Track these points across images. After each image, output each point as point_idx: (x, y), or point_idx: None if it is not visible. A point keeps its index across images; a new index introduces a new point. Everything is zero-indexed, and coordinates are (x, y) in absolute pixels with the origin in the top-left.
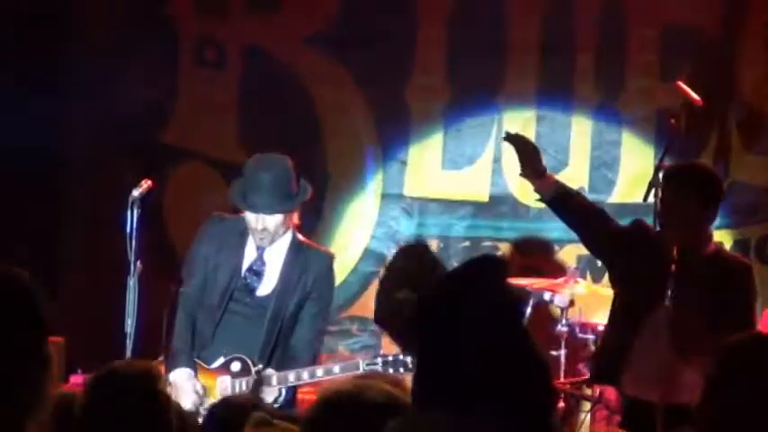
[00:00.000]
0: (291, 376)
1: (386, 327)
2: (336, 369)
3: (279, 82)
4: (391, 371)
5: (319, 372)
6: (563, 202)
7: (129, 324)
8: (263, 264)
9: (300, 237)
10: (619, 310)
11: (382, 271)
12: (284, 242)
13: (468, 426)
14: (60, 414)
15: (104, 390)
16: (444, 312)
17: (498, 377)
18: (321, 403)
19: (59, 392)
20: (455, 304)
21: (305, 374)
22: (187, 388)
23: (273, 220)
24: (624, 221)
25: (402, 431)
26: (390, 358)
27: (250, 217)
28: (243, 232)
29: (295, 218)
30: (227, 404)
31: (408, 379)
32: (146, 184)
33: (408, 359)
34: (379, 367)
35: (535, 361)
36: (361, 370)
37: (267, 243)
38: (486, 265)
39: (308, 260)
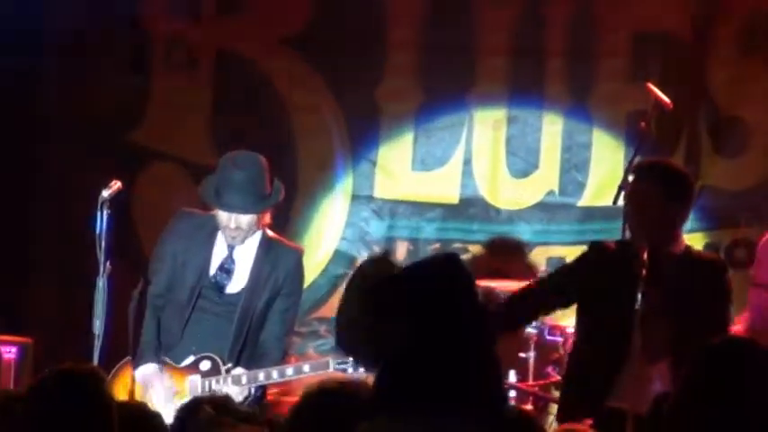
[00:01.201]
0: (261, 375)
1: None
2: (306, 368)
3: (250, 83)
4: (362, 370)
5: (289, 371)
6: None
7: (98, 325)
8: (233, 262)
9: (270, 233)
10: (587, 337)
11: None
12: (254, 239)
13: (427, 428)
14: (3, 414)
15: (47, 391)
16: (400, 313)
17: (455, 379)
18: (306, 400)
19: (2, 392)
20: (412, 305)
21: (274, 373)
22: (155, 382)
23: (246, 220)
24: (594, 224)
25: None
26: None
27: (222, 216)
28: (213, 229)
29: (267, 217)
30: (197, 404)
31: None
32: (115, 185)
33: None
34: (349, 367)
35: (490, 360)
36: (331, 369)
37: (239, 242)
38: (443, 265)
39: (278, 256)
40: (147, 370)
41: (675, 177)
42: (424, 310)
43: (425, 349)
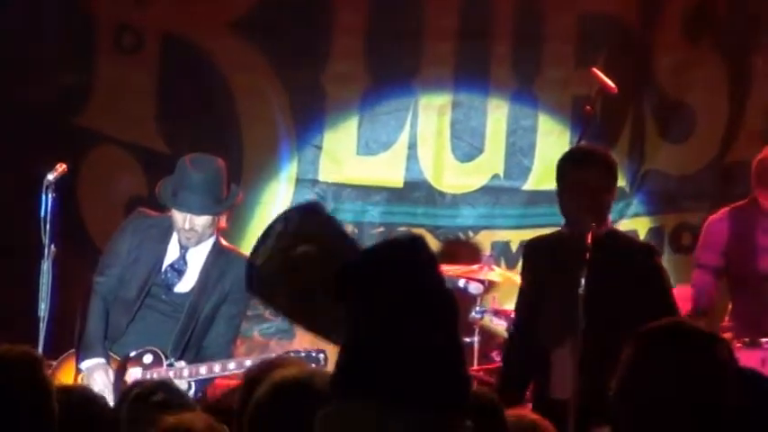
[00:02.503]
0: (203, 369)
1: (265, 292)
2: (248, 363)
3: (196, 67)
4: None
5: (231, 365)
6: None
7: (43, 308)
8: (185, 263)
9: (224, 241)
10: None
11: (272, 230)
12: (207, 244)
13: (388, 416)
14: None
15: None
16: (369, 298)
17: (421, 369)
18: (271, 388)
19: None
20: (381, 290)
21: (216, 368)
22: (100, 377)
23: (201, 221)
24: (539, 208)
25: (330, 423)
26: (303, 354)
27: (178, 216)
28: (168, 230)
29: (223, 221)
30: (139, 387)
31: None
32: (60, 167)
33: (321, 356)
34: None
35: (456, 354)
36: None
37: (193, 243)
38: (411, 249)
39: (229, 264)
40: (94, 364)
41: (613, 163)
42: (386, 294)
43: (388, 335)
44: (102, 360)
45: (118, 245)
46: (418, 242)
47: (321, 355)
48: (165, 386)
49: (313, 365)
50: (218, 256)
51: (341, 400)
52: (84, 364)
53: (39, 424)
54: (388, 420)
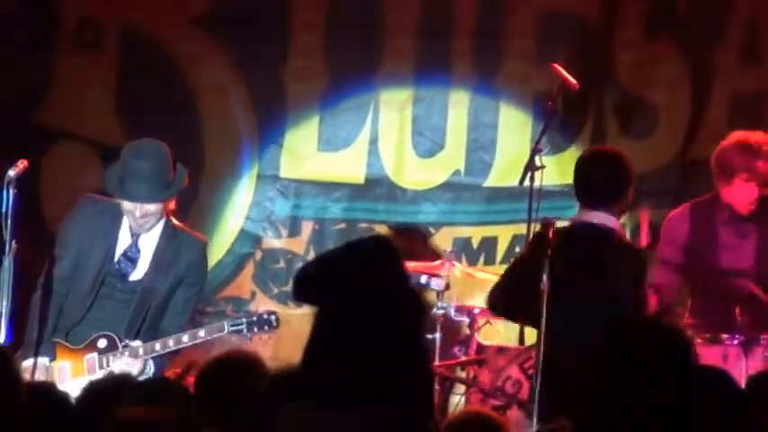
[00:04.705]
0: (158, 345)
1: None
2: (202, 333)
3: (157, 63)
4: (256, 330)
5: (185, 338)
6: None
7: (4, 305)
8: (138, 251)
9: (175, 221)
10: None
11: None
12: (158, 227)
13: (356, 420)
14: None
15: None
16: (326, 302)
17: (380, 371)
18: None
19: None
20: (338, 293)
21: (171, 342)
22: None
23: (153, 207)
24: (500, 204)
25: (288, 424)
26: (255, 318)
27: (129, 205)
28: (116, 216)
29: (172, 203)
30: (100, 383)
31: None
32: (21, 164)
33: (273, 317)
34: (243, 327)
35: (425, 360)
36: (226, 331)
37: (147, 229)
38: (382, 252)
39: (182, 245)
40: (34, 364)
41: None
42: (355, 297)
43: (346, 338)
44: (42, 360)
45: (69, 233)
46: (382, 244)
47: (273, 317)
48: (128, 381)
49: (266, 327)
50: (171, 237)
51: (298, 401)
52: (24, 365)
53: (9, 416)
54: (343, 421)
